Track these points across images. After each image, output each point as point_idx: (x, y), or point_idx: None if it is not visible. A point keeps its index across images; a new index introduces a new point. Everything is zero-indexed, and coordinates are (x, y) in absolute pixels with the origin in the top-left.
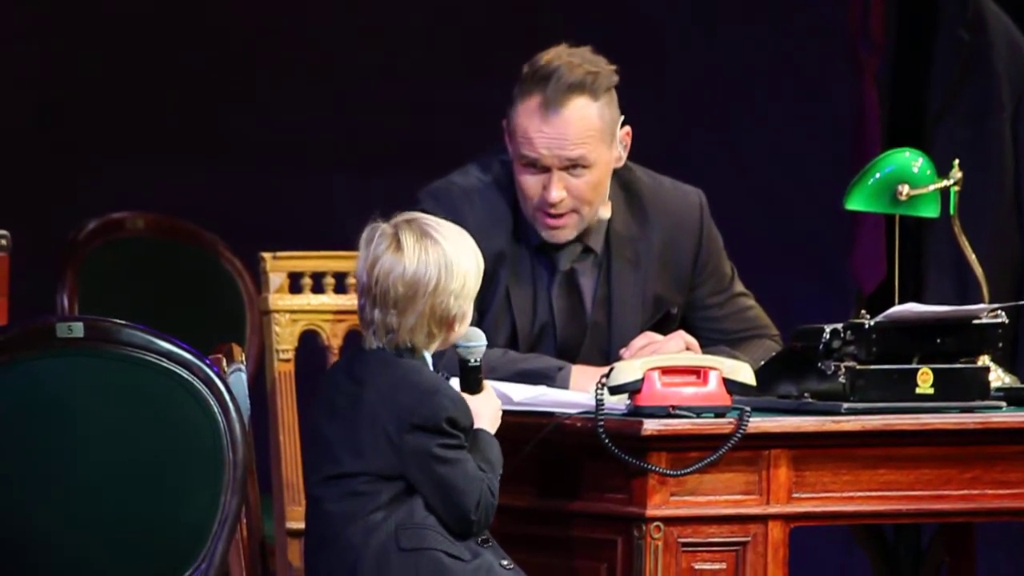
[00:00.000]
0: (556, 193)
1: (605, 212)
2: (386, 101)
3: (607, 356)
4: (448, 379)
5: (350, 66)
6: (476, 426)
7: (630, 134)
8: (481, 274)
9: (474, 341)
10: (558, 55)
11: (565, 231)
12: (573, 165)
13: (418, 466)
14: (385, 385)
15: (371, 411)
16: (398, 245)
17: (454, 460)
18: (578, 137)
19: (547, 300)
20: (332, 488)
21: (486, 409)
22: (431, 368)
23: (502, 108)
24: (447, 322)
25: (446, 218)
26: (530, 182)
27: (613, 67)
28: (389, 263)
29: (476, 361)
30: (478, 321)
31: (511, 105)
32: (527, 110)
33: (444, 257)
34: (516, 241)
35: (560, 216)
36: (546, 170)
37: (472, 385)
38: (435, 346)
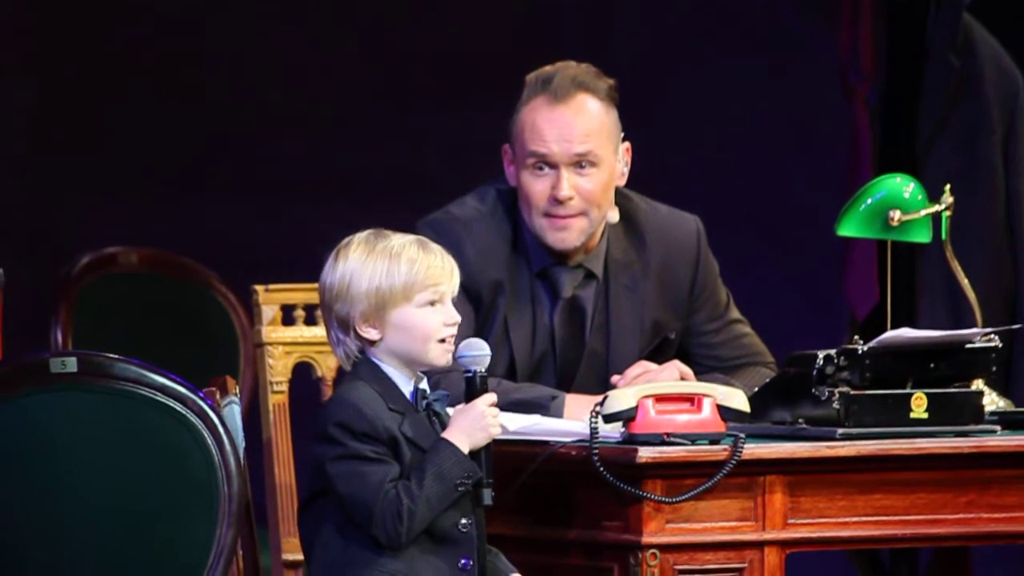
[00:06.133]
0: (566, 189)
1: (614, 215)
2: (380, 133)
3: (604, 383)
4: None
5: (345, 99)
6: (444, 435)
7: (630, 150)
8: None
9: (476, 351)
10: (560, 64)
11: (572, 234)
12: (580, 163)
13: (318, 478)
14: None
15: None
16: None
17: (341, 469)
18: (584, 130)
19: (547, 327)
20: (302, 517)
21: (460, 418)
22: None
23: (499, 139)
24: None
25: (445, 249)
26: (537, 186)
27: (612, 81)
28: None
29: (477, 372)
30: None
31: (515, 114)
32: (532, 108)
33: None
34: (516, 269)
35: (568, 217)
36: (554, 168)
37: (473, 398)
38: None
